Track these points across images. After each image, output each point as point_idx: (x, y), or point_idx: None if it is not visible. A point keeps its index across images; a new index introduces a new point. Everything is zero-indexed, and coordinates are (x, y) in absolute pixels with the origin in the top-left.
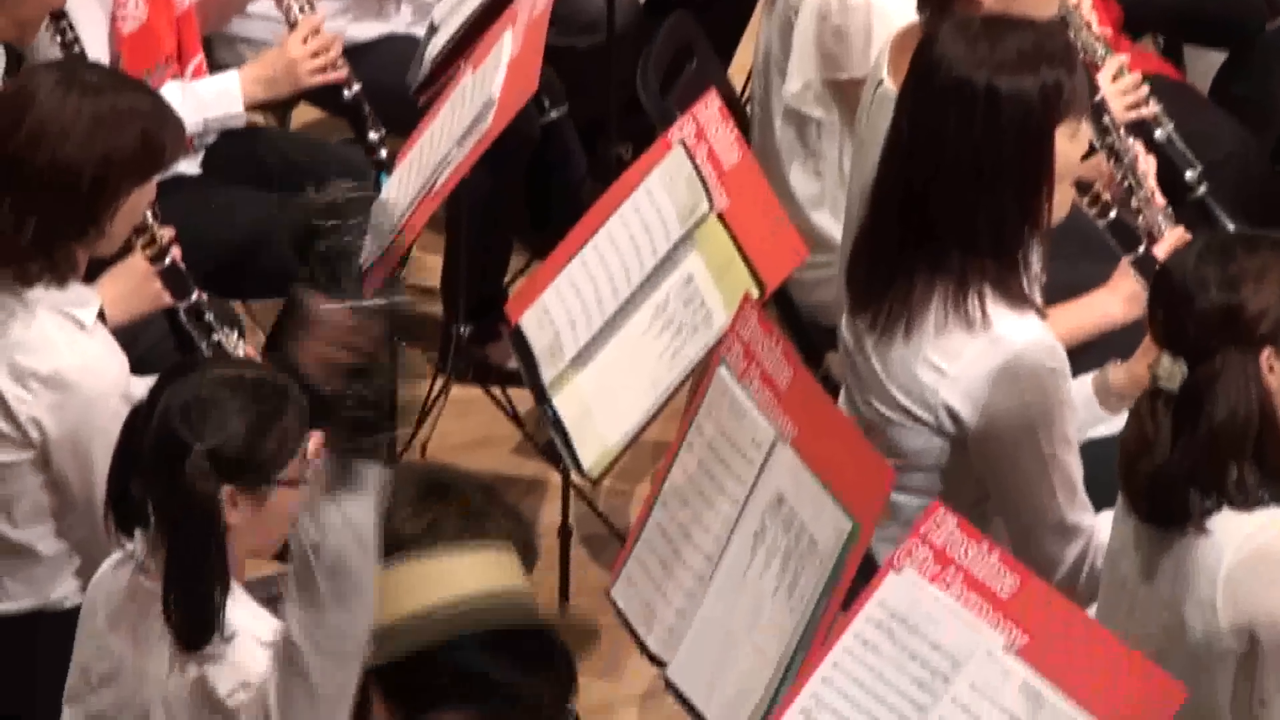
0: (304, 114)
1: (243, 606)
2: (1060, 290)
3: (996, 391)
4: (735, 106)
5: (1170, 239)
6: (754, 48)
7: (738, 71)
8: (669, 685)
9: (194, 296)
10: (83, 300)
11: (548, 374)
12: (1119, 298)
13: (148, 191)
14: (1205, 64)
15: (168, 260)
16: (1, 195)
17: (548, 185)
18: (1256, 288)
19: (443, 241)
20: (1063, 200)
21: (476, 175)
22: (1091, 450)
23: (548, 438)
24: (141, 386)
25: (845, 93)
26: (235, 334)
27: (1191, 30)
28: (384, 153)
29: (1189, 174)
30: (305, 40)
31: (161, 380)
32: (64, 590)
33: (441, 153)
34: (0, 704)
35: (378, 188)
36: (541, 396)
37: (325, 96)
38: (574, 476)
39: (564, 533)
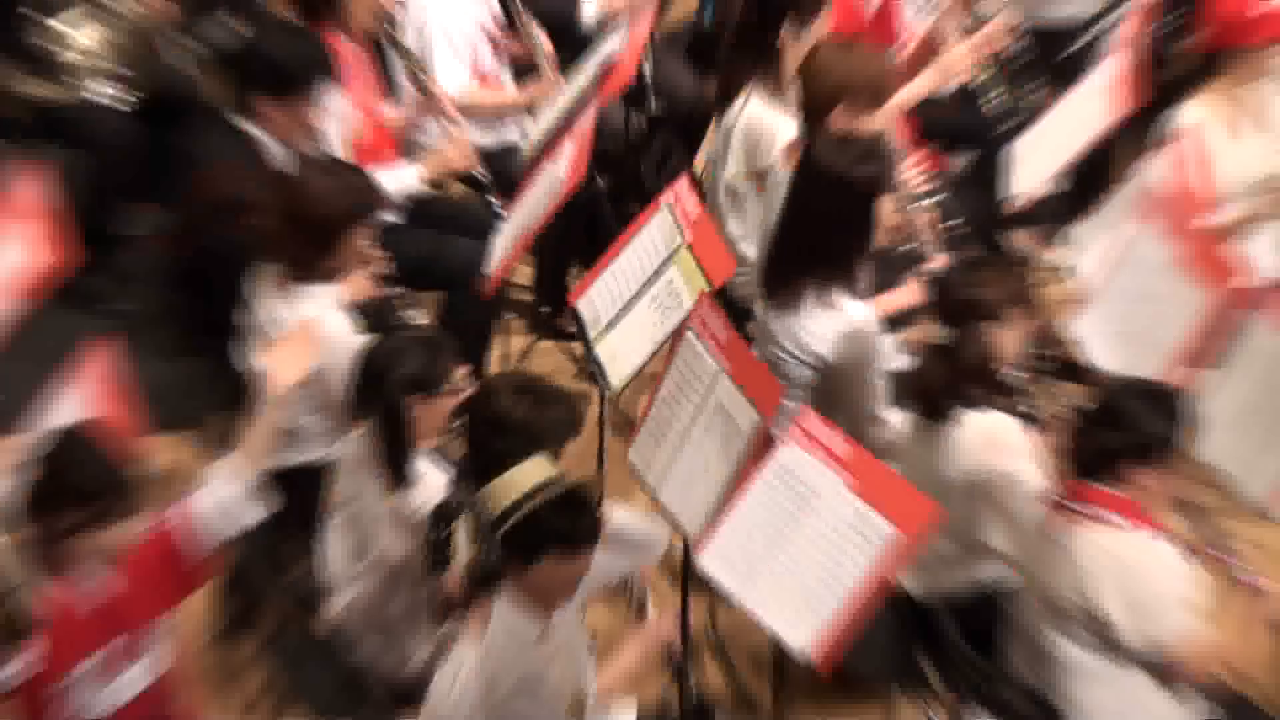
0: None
1: (422, 462)
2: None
3: (841, 343)
4: (697, 183)
5: (938, 260)
6: (706, 150)
7: (699, 162)
8: (659, 503)
9: (393, 289)
10: (330, 291)
11: (592, 334)
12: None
13: (365, 231)
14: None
15: (379, 267)
16: (300, 237)
17: (593, 226)
18: (979, 288)
19: (533, 259)
20: (878, 239)
21: (553, 221)
22: None
23: (589, 370)
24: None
25: (759, 176)
26: (417, 314)
27: (950, 135)
28: (497, 205)
29: (951, 223)
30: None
31: (377, 340)
32: (326, 452)
33: (531, 207)
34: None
35: (494, 228)
36: (588, 347)
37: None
38: (608, 392)
39: (600, 424)
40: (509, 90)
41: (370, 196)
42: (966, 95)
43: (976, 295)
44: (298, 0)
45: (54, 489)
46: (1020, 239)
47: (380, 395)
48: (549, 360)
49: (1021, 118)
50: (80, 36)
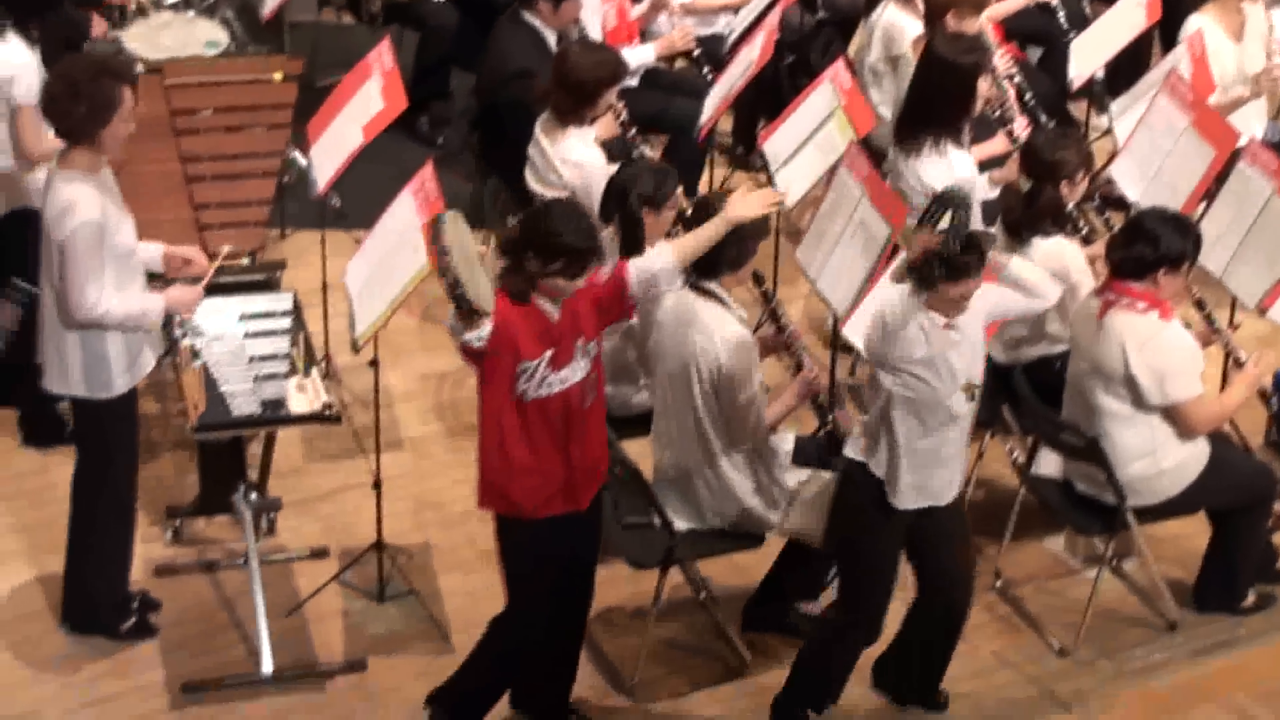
0: None
1: None
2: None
3: (947, 177)
4: (850, 64)
5: (1020, 123)
6: (856, 42)
7: (851, 50)
8: (812, 282)
9: (632, 131)
10: (588, 133)
11: (773, 167)
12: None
13: (614, 91)
14: (1035, 53)
15: (622, 116)
16: (566, 93)
17: (776, 92)
18: (1061, 153)
19: (733, 114)
20: (977, 105)
21: (748, 87)
22: None
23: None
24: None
25: (894, 61)
26: (648, 147)
27: (1028, 36)
28: (708, 76)
29: (1027, 96)
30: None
31: (620, 167)
32: None
33: (733, 78)
34: None
35: (706, 92)
36: (770, 177)
37: None
38: (783, 209)
39: (776, 232)
40: None
41: (615, 67)
42: (1042, 7)
43: (1059, 158)
44: None
45: (548, 242)
46: (1078, 108)
47: (623, 206)
48: (742, 186)
49: (1080, 23)
50: None
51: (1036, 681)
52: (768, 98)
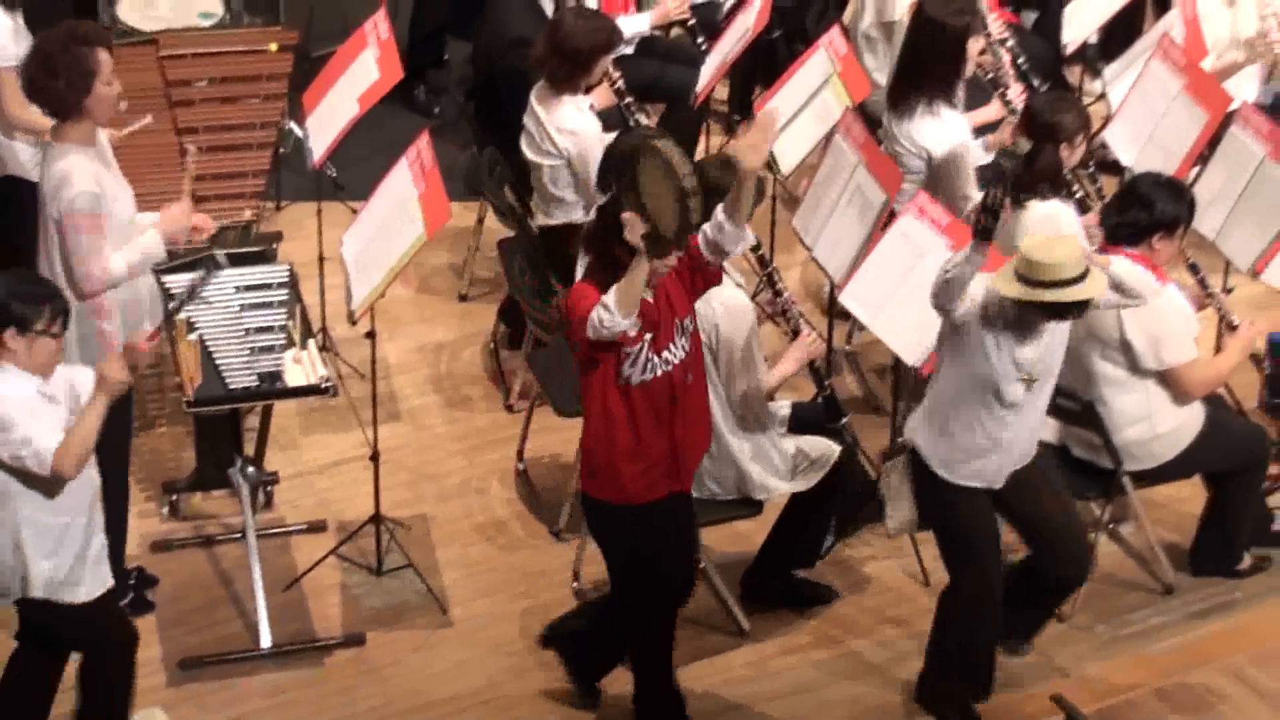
0: None
1: None
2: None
3: (941, 137)
4: (845, 31)
5: (1014, 89)
6: (850, 8)
7: (846, 16)
8: (809, 249)
9: (628, 99)
10: (582, 100)
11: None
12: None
13: (608, 59)
14: (1028, 17)
15: (618, 84)
16: (560, 61)
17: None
18: (1061, 115)
19: (728, 81)
20: (967, 69)
21: (743, 55)
22: None
23: (767, 160)
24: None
25: (887, 27)
26: (644, 115)
27: (1022, 1)
28: (703, 44)
29: (1020, 60)
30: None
31: (618, 135)
32: (579, 215)
33: (728, 45)
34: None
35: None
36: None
37: None
38: (779, 175)
39: (773, 198)
40: None
41: (611, 34)
42: None
43: (1059, 120)
44: None
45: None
46: (1071, 73)
47: (622, 175)
48: None
49: None
50: None
51: (1035, 646)
52: (763, 65)
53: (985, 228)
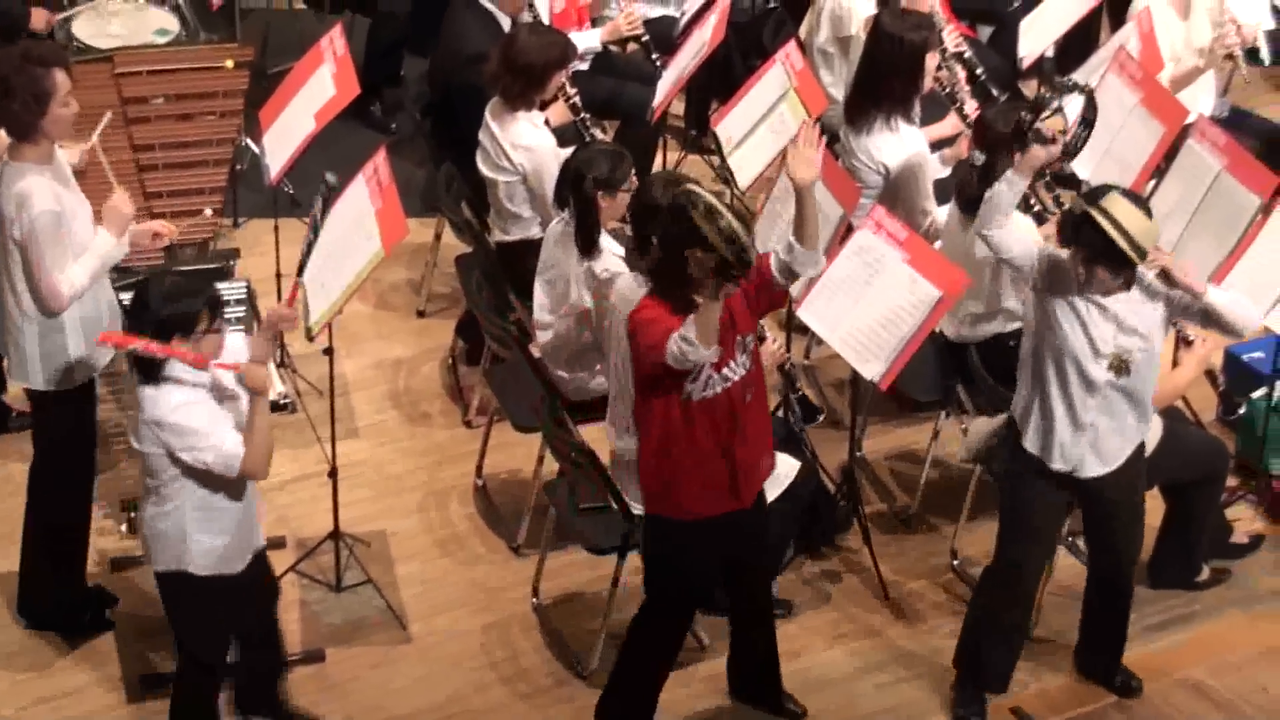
0: None
1: (605, 239)
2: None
3: (898, 151)
4: (801, 46)
5: (970, 104)
6: (806, 23)
7: (802, 31)
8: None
9: (584, 115)
10: (537, 116)
11: (726, 149)
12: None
13: (563, 74)
14: (984, 31)
15: (574, 100)
16: (514, 77)
17: (728, 74)
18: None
19: (685, 97)
20: (925, 84)
21: (699, 70)
22: None
23: (724, 175)
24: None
25: (843, 42)
26: (600, 131)
27: (977, 15)
28: (657, 60)
29: (978, 71)
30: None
31: (575, 151)
32: (536, 231)
33: (685, 60)
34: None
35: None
36: (723, 159)
37: None
38: (736, 191)
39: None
40: None
41: (564, 50)
42: None
43: (1008, 131)
44: None
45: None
46: (1028, 87)
47: (579, 190)
48: (695, 169)
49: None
50: None
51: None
52: (720, 80)
53: (1024, 137)
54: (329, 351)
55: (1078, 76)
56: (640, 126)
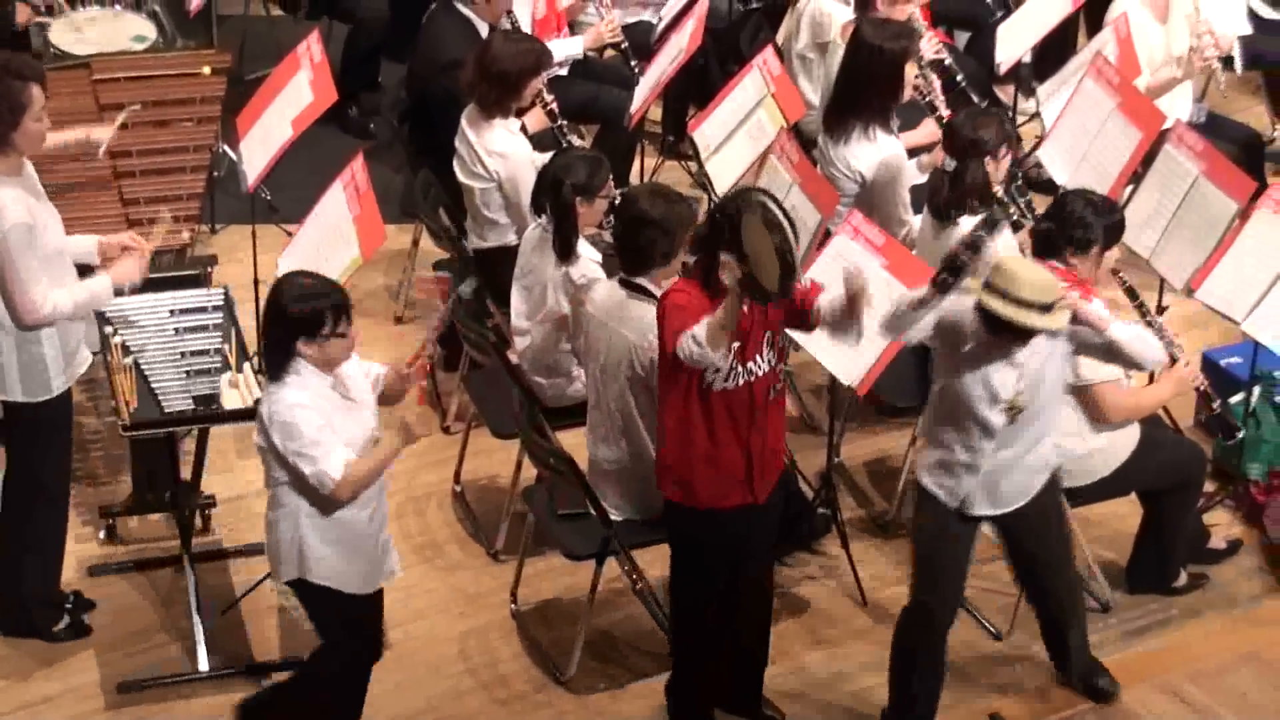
0: None
1: (583, 244)
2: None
3: (876, 161)
4: (778, 52)
5: (947, 112)
6: (784, 29)
7: (780, 37)
8: None
9: (561, 121)
10: (512, 123)
11: (704, 155)
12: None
13: (541, 79)
14: (961, 37)
15: (551, 106)
16: (489, 85)
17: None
18: (982, 130)
19: (662, 102)
20: (905, 92)
21: (677, 75)
22: None
23: (701, 182)
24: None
25: (821, 48)
26: (578, 137)
27: (955, 21)
28: (635, 65)
29: (958, 79)
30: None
31: (553, 157)
32: (512, 238)
33: (662, 66)
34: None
35: (635, 81)
36: (700, 165)
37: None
38: (714, 197)
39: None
40: None
41: (538, 57)
42: None
43: (979, 135)
44: None
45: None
46: (1005, 93)
47: (556, 195)
48: (672, 175)
49: (1007, 7)
50: None
51: (971, 665)
52: (697, 86)
53: (945, 282)
54: None
55: (1051, 84)
56: (618, 132)
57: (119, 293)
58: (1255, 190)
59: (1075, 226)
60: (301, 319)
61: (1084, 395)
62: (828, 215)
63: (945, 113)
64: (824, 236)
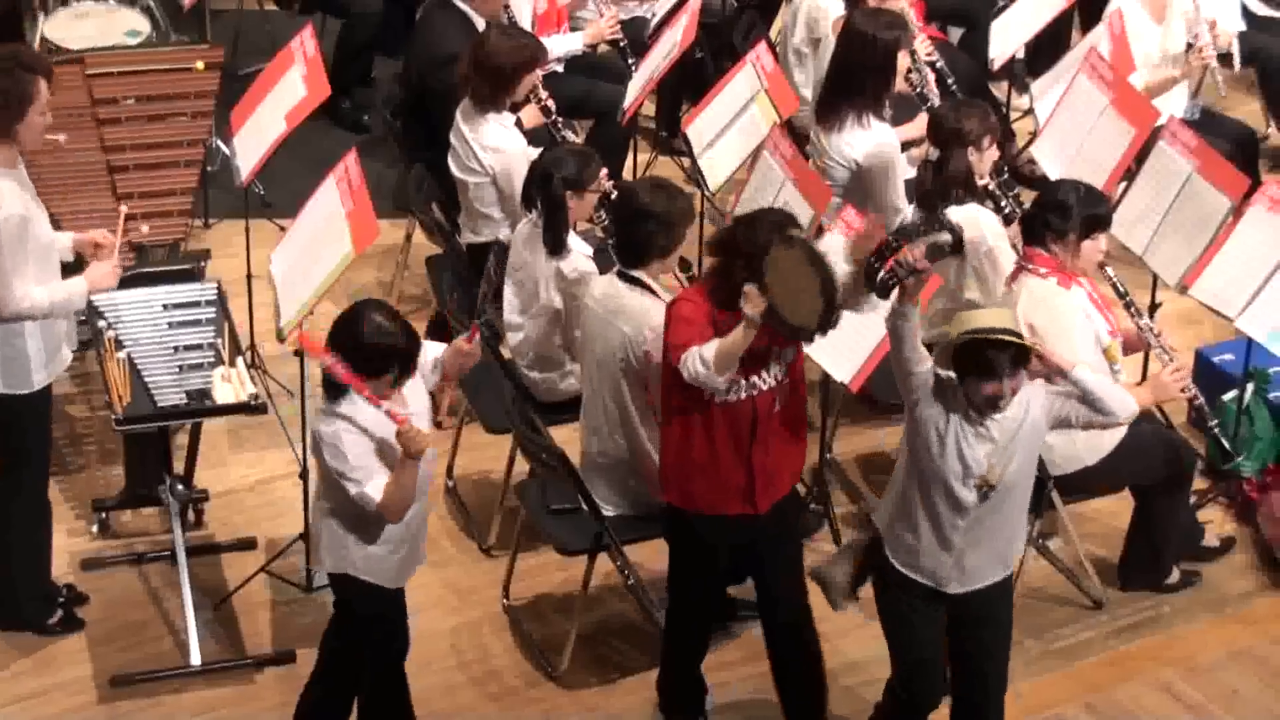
0: None
1: (574, 239)
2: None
3: (870, 147)
4: (772, 47)
5: (937, 101)
6: (778, 24)
7: (773, 32)
8: None
9: (556, 118)
10: (507, 118)
11: (697, 150)
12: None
13: (536, 75)
14: (955, 33)
15: (545, 102)
16: (483, 79)
17: (699, 76)
18: (965, 120)
19: (656, 98)
20: (898, 82)
21: (671, 71)
22: None
23: (694, 177)
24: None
25: (815, 42)
26: (571, 132)
27: (949, 16)
28: (631, 61)
29: (950, 82)
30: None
31: (543, 151)
32: (505, 232)
33: (656, 61)
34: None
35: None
36: (694, 160)
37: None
38: (707, 192)
39: (701, 215)
40: None
41: (533, 52)
42: None
43: (959, 126)
44: None
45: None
46: (999, 89)
47: (547, 190)
48: (665, 170)
49: (1001, 2)
50: None
51: None
52: (691, 81)
53: (883, 284)
54: (300, 353)
55: (1045, 80)
56: (612, 127)
57: (90, 313)
58: (1249, 187)
59: (1055, 211)
60: (368, 360)
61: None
62: (821, 210)
63: (938, 105)
64: (816, 232)
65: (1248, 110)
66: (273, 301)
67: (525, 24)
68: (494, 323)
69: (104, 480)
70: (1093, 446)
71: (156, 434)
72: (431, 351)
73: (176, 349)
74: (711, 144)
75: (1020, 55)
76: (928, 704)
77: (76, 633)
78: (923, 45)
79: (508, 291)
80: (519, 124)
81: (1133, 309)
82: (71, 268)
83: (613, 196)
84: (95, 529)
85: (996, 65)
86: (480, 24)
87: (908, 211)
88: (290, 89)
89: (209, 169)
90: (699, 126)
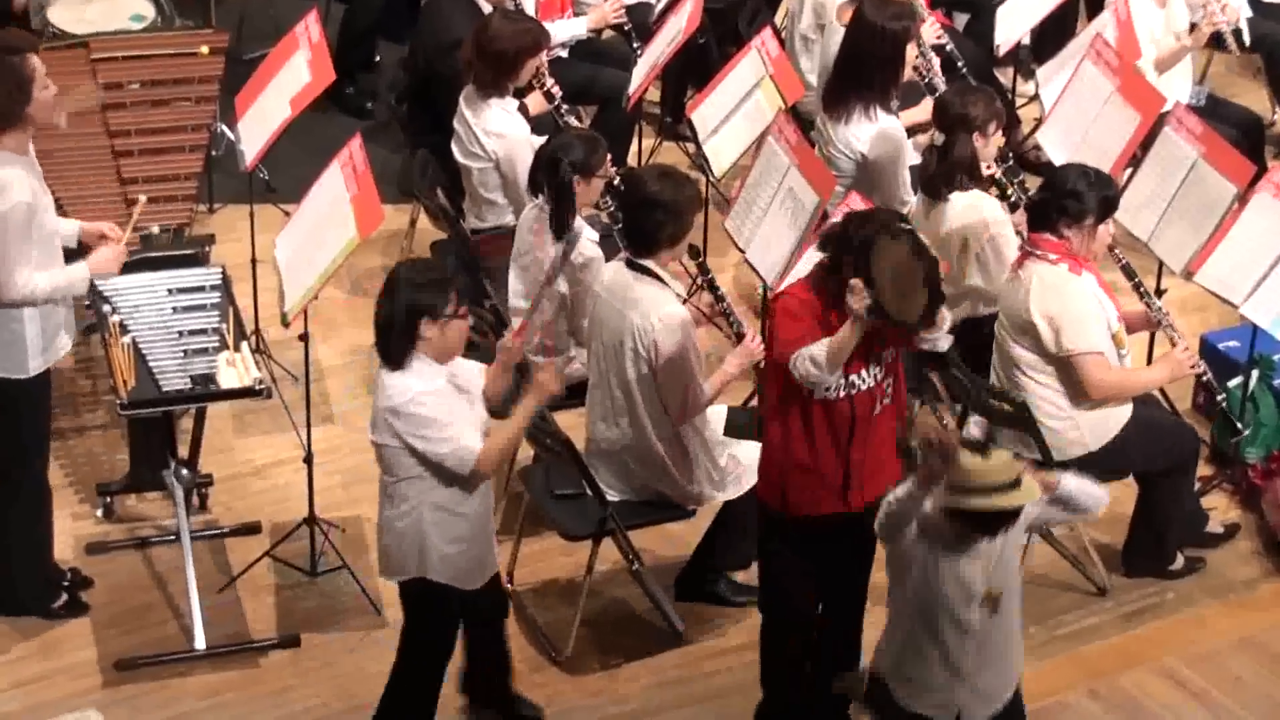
0: None
1: (581, 224)
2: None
3: (877, 141)
4: (777, 32)
5: (943, 89)
6: (783, 10)
7: (779, 17)
8: (742, 251)
9: (560, 103)
10: (510, 103)
11: (702, 136)
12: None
13: (539, 59)
14: (961, 19)
15: (550, 88)
16: (486, 64)
17: (704, 61)
18: (969, 106)
19: (661, 83)
20: (906, 72)
21: (676, 56)
22: None
23: (698, 163)
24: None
25: (822, 28)
26: (576, 119)
27: (954, 3)
28: (636, 46)
29: (959, 65)
30: (611, 9)
31: (550, 138)
32: (510, 218)
33: (661, 47)
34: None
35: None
36: (699, 146)
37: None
38: (712, 179)
39: (706, 200)
40: None
41: (536, 36)
42: None
43: (966, 111)
44: None
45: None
46: (1004, 75)
47: (553, 175)
48: (670, 156)
49: None
50: None
51: None
52: (696, 67)
53: (933, 471)
54: (304, 337)
55: (1050, 66)
56: (617, 112)
57: (92, 298)
58: (1255, 174)
59: (1068, 196)
60: (425, 298)
61: (1064, 367)
62: (825, 198)
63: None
64: (821, 219)
65: (1254, 97)
66: (277, 286)
67: (529, 9)
68: (499, 308)
69: (109, 464)
70: (1097, 433)
71: (161, 418)
72: (473, 373)
73: (181, 334)
74: (716, 130)
75: (1026, 41)
76: None
77: (81, 617)
78: (930, 29)
79: (513, 277)
80: (524, 111)
81: (1142, 290)
82: (74, 253)
83: (618, 182)
84: (100, 513)
85: (1002, 51)
86: (487, 8)
87: (914, 203)
88: (295, 74)
89: (214, 154)
90: (704, 112)
